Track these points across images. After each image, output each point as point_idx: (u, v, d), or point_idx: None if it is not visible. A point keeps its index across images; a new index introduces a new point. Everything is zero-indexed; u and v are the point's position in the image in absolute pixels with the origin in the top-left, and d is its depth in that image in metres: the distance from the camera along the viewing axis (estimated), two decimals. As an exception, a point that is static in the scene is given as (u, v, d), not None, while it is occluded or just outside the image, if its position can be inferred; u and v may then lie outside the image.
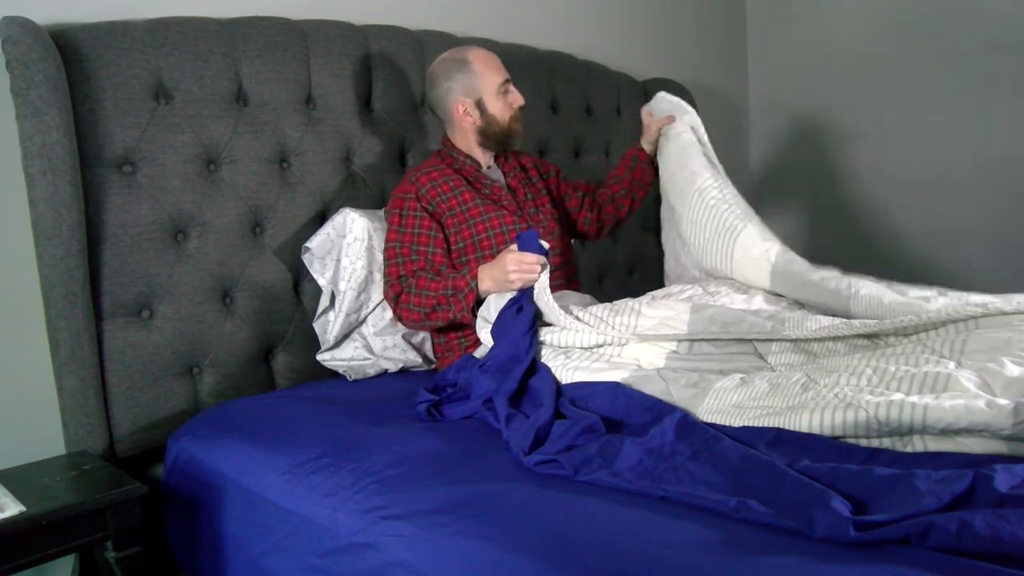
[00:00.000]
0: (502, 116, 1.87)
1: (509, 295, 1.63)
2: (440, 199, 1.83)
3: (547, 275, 1.62)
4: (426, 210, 1.81)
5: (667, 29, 3.14)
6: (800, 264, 1.76)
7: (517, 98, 1.89)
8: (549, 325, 1.61)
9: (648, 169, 2.12)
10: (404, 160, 2.13)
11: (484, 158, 1.93)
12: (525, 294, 1.62)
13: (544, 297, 1.59)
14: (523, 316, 1.56)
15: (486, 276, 1.67)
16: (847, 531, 0.89)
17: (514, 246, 1.64)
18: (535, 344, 1.54)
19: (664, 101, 2.07)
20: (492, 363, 1.51)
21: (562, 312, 1.58)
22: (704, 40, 3.31)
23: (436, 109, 1.92)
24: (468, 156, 1.91)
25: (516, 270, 1.60)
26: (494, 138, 1.89)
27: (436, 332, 1.87)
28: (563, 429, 1.26)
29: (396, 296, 1.77)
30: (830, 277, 1.69)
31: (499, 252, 1.75)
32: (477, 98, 1.85)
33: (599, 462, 1.16)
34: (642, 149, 2.10)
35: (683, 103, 2.05)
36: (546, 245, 1.65)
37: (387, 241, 1.81)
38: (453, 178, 1.86)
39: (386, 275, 1.80)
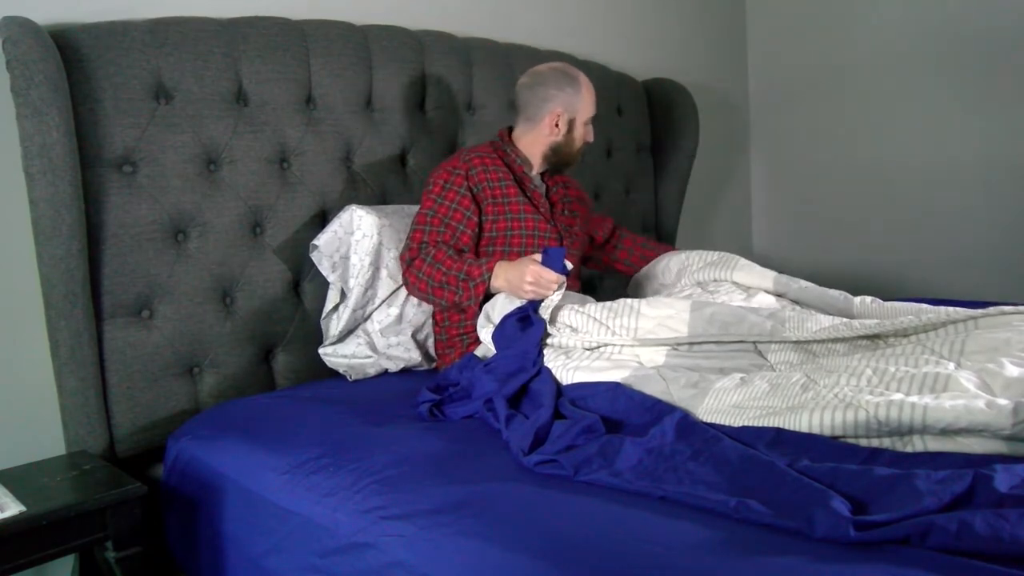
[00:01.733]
0: (578, 143, 1.94)
1: (519, 301, 1.63)
2: (487, 184, 1.85)
3: (559, 295, 1.62)
4: (471, 190, 1.84)
5: (667, 29, 3.14)
6: (803, 282, 1.79)
7: (591, 135, 1.96)
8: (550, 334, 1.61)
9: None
10: (405, 160, 2.13)
11: (537, 167, 1.96)
12: (533, 304, 1.62)
13: (546, 316, 1.59)
14: (534, 331, 1.56)
15: (501, 274, 1.67)
16: (847, 531, 0.89)
17: (538, 256, 1.64)
18: (542, 355, 1.54)
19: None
20: (497, 372, 1.51)
21: (557, 331, 1.58)
22: (704, 40, 3.31)
23: (526, 107, 1.93)
24: (523, 157, 1.94)
25: (532, 282, 1.61)
26: (561, 158, 1.94)
27: (439, 328, 1.87)
28: (563, 429, 1.26)
29: (411, 260, 1.77)
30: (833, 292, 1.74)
31: (525, 253, 1.75)
32: (572, 117, 1.90)
33: (599, 462, 1.16)
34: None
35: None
36: (570, 266, 1.65)
37: (421, 207, 1.83)
38: (503, 170, 1.89)
39: (409, 238, 1.81)
